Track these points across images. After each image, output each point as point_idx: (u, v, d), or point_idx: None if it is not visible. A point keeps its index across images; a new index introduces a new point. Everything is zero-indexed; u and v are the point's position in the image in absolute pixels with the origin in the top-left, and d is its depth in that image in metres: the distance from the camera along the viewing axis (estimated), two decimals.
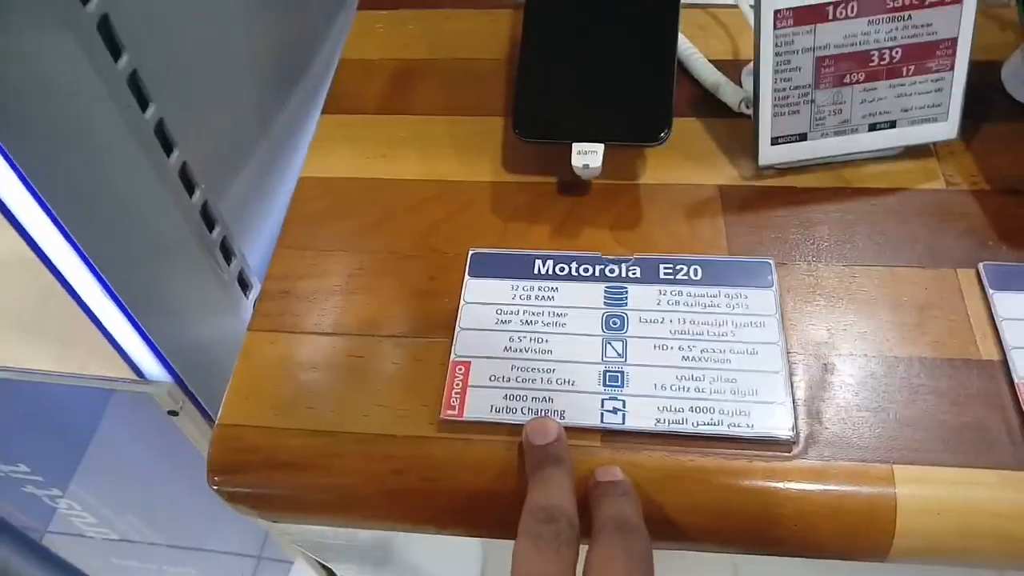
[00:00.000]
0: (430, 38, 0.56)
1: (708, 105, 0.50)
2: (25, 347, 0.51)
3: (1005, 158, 0.46)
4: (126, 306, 0.42)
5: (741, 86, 0.49)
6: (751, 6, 0.50)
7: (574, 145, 0.43)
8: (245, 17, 0.47)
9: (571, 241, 0.44)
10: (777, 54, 0.42)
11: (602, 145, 0.42)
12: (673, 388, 0.37)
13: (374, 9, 0.58)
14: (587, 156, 0.42)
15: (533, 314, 0.40)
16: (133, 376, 0.49)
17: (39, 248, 0.38)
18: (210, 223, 0.44)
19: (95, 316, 0.43)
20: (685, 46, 0.51)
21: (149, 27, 0.37)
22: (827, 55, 0.42)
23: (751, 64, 0.49)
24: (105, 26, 0.34)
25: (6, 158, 0.32)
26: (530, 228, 0.45)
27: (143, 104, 0.37)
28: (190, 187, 0.42)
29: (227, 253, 0.46)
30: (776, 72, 0.42)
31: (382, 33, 0.56)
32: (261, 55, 0.49)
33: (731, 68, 0.51)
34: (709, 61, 0.51)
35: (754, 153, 0.44)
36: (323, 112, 0.52)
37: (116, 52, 0.35)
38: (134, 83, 0.36)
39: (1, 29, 0.30)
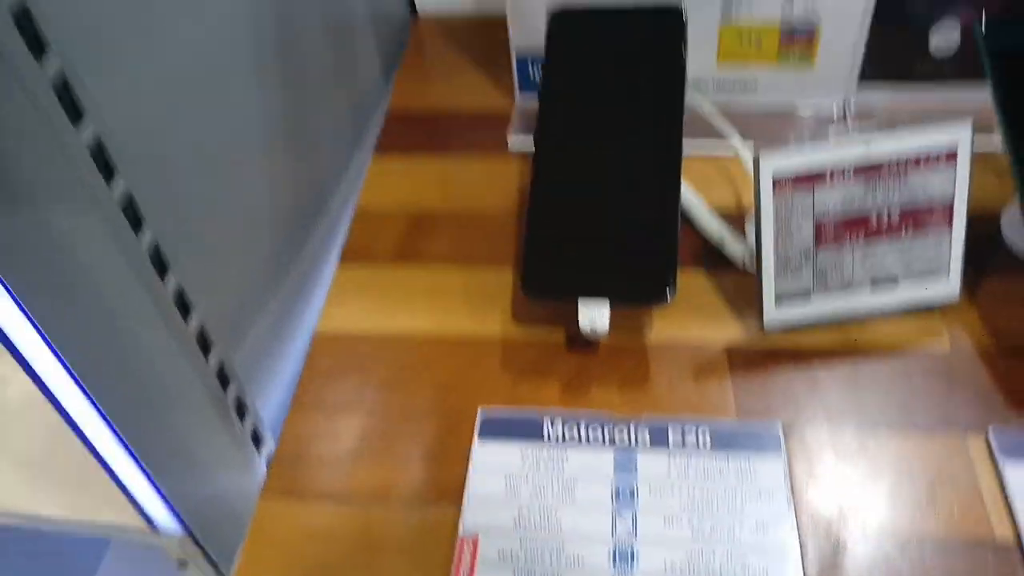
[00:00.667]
0: (444, 185, 0.57)
1: (714, 258, 0.50)
2: (36, 492, 0.51)
3: (1008, 316, 0.46)
4: (139, 459, 0.43)
5: (746, 236, 0.50)
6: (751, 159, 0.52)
7: (580, 306, 0.43)
8: (260, 168, 0.48)
9: (581, 399, 0.44)
10: (777, 217, 0.42)
11: (607, 306, 0.43)
12: (683, 570, 0.37)
13: (389, 152, 0.60)
14: (594, 317, 0.43)
15: (543, 484, 0.40)
16: (144, 526, 0.49)
17: (56, 399, 0.39)
18: (225, 381, 0.45)
19: (107, 464, 0.44)
20: (690, 198, 0.52)
21: (171, 202, 0.38)
22: (826, 217, 0.43)
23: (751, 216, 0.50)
24: (130, 204, 0.35)
25: (26, 314, 0.33)
26: (540, 385, 0.45)
27: (163, 272, 0.39)
28: (206, 348, 0.43)
29: (241, 410, 0.47)
30: (777, 234, 0.43)
31: (397, 179, 0.58)
32: (276, 204, 0.51)
33: (736, 219, 0.52)
34: (714, 213, 0.52)
35: (759, 311, 0.45)
36: (340, 261, 0.53)
37: (138, 226, 0.36)
38: (155, 255, 0.38)
39: (30, 207, 0.31)
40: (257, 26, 0.46)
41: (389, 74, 0.68)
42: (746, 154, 0.52)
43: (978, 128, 0.55)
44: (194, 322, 0.41)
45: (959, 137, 0.42)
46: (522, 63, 0.60)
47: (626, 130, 0.47)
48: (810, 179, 0.42)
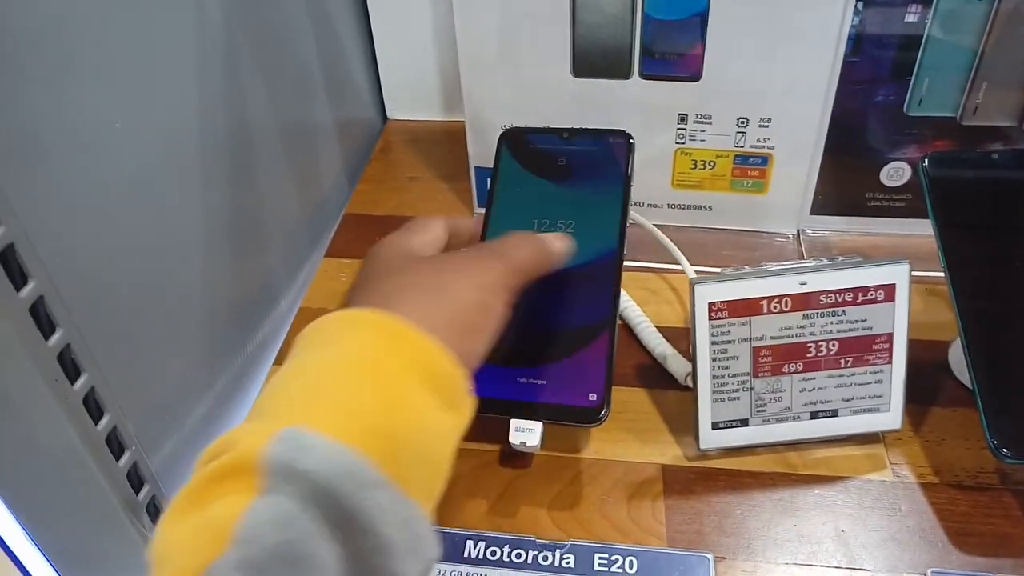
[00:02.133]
0: None
1: (656, 375, 0.50)
2: None
3: (952, 448, 0.45)
4: (47, 554, 0.41)
5: (689, 357, 0.49)
6: (699, 271, 0.52)
7: (512, 422, 0.42)
8: (199, 269, 0.48)
9: (507, 520, 0.43)
10: (714, 343, 0.42)
11: (540, 424, 0.42)
12: None
13: (340, 257, 0.60)
14: (525, 434, 0.42)
15: None
16: None
17: None
18: (139, 483, 0.43)
19: (19, 561, 0.42)
20: (635, 313, 0.52)
21: (88, 303, 0.38)
22: (764, 345, 0.42)
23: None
24: (40, 307, 0.35)
25: None
26: (467, 502, 0.43)
27: (76, 373, 0.38)
28: (120, 451, 0.41)
29: (155, 514, 0.45)
30: (714, 360, 0.42)
31: (344, 283, 0.58)
32: (215, 305, 0.50)
33: (682, 336, 0.51)
34: (659, 329, 0.51)
35: (695, 434, 0.44)
36: (275, 364, 0.52)
37: (50, 330, 0.35)
38: (67, 357, 0.37)
39: None
40: (205, 126, 0.47)
41: (354, 177, 0.69)
42: (691, 272, 0.52)
43: (929, 259, 0.56)
44: (105, 423, 0.40)
45: (898, 275, 0.42)
46: (481, 176, 0.61)
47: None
48: (746, 307, 0.42)
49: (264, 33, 0.53)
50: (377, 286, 0.35)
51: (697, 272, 0.53)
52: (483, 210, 0.62)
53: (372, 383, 0.29)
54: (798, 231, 0.59)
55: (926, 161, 0.47)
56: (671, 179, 0.58)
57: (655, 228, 0.54)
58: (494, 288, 0.35)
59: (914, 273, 0.43)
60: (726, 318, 0.42)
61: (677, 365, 0.49)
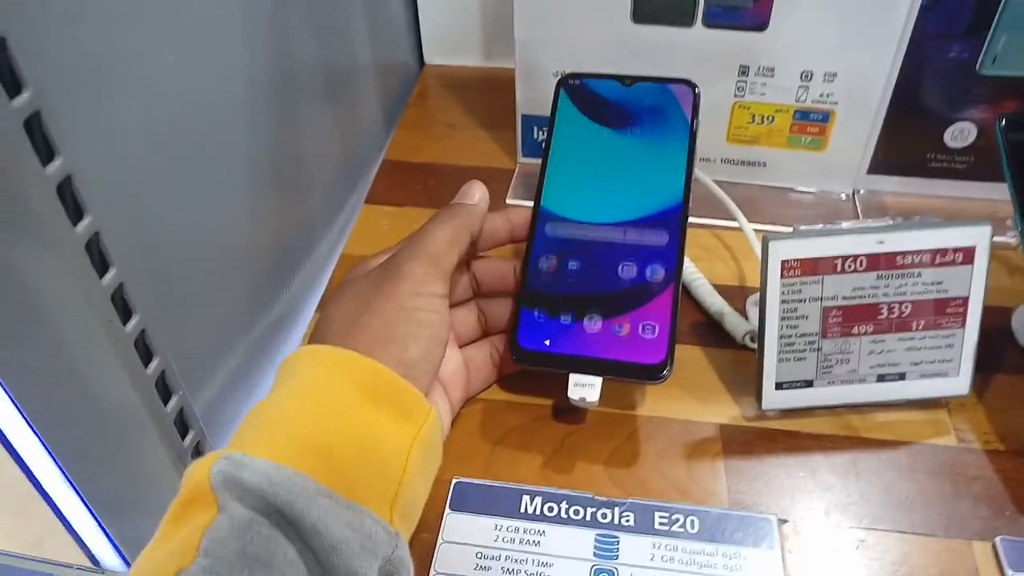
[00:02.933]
0: None
1: (712, 333, 0.48)
2: None
3: (1017, 416, 0.44)
4: (85, 497, 0.40)
5: (746, 316, 0.48)
6: (756, 230, 0.51)
7: (571, 376, 0.41)
8: (243, 210, 0.46)
9: (563, 476, 0.41)
10: (784, 302, 0.41)
11: (600, 379, 0.41)
12: None
13: (381, 204, 0.58)
14: (584, 389, 0.41)
15: (517, 561, 0.37)
16: (88, 564, 0.45)
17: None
18: (184, 428, 0.42)
19: (52, 500, 0.41)
20: (690, 271, 0.51)
21: (140, 241, 0.36)
22: (835, 306, 0.41)
23: (757, 294, 0.48)
24: (96, 243, 0.33)
25: None
26: (520, 456, 0.42)
27: (127, 315, 0.36)
28: (166, 395, 0.40)
29: (198, 455, 0.44)
30: (783, 319, 0.41)
31: (387, 230, 0.56)
32: (258, 247, 0.48)
33: (737, 294, 0.50)
34: (714, 287, 0.50)
35: (757, 394, 0.43)
36: (317, 310, 0.51)
37: (104, 267, 0.34)
38: (118, 297, 0.35)
39: None
40: (252, 66, 0.45)
41: (392, 123, 0.67)
42: (750, 230, 0.51)
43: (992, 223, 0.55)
44: (154, 367, 0.38)
45: (978, 238, 0.40)
46: (527, 125, 0.59)
47: (629, 202, 0.45)
48: (819, 265, 0.40)
49: None
50: (324, 315, 0.38)
51: (762, 233, 0.51)
52: (527, 160, 0.61)
53: (315, 408, 0.33)
54: (854, 191, 0.57)
55: (1003, 121, 0.45)
56: (727, 133, 0.56)
57: (713, 184, 0.53)
58: (414, 291, 0.37)
59: None
60: (798, 276, 0.40)
61: (735, 324, 0.47)
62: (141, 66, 0.35)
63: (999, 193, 0.55)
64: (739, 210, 0.51)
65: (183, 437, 0.42)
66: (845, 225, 0.41)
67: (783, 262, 0.40)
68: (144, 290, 0.36)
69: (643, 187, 0.46)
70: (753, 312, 0.48)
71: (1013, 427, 0.44)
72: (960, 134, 0.54)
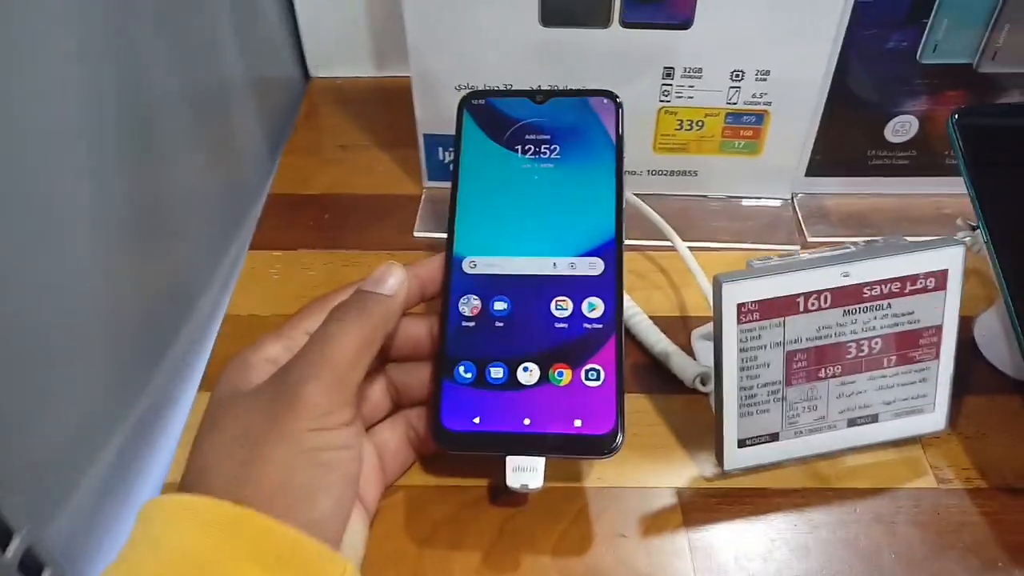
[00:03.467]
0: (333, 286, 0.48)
1: (657, 377, 0.43)
2: None
3: (995, 444, 0.40)
4: None
5: (693, 354, 0.43)
6: (692, 248, 0.45)
7: (509, 460, 0.35)
8: (93, 276, 0.38)
9: (506, 571, 0.35)
10: (742, 350, 0.35)
11: (542, 460, 0.35)
12: None
13: (268, 248, 0.51)
14: (526, 475, 0.35)
15: None
16: None
17: None
18: (36, 570, 0.34)
19: None
20: (625, 304, 0.45)
21: None
22: (798, 349, 0.36)
23: (703, 327, 0.43)
24: None
25: None
26: (453, 556, 0.36)
27: None
28: (4, 537, 0.32)
29: None
30: (742, 370, 0.36)
31: (277, 280, 0.49)
32: (117, 324, 0.40)
33: (678, 327, 0.45)
34: (653, 320, 0.44)
35: (718, 454, 0.37)
36: (200, 389, 0.43)
37: None
38: None
39: None
40: (91, 94, 0.36)
41: (276, 148, 0.59)
42: (688, 254, 0.45)
43: (938, 221, 0.51)
44: None
45: (950, 260, 0.36)
46: (431, 145, 0.52)
47: (555, 237, 0.39)
48: (780, 306, 0.35)
49: None
50: (200, 451, 0.30)
51: (691, 248, 0.46)
52: (434, 183, 0.54)
53: None
54: (792, 195, 0.53)
55: (955, 116, 0.41)
56: (652, 142, 0.51)
57: (641, 203, 0.47)
58: (318, 424, 0.30)
59: (921, 239, 0.37)
60: (757, 320, 0.35)
61: (682, 365, 0.42)
62: None
63: (944, 187, 0.52)
64: (674, 231, 0.46)
65: None
66: (805, 257, 0.35)
67: (739, 306, 0.34)
68: None
69: (570, 220, 0.40)
70: (701, 348, 0.43)
71: (992, 457, 0.40)
72: (901, 128, 0.50)
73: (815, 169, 0.52)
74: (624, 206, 0.40)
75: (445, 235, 0.40)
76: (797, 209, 0.52)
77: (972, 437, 0.41)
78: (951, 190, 0.48)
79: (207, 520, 0.27)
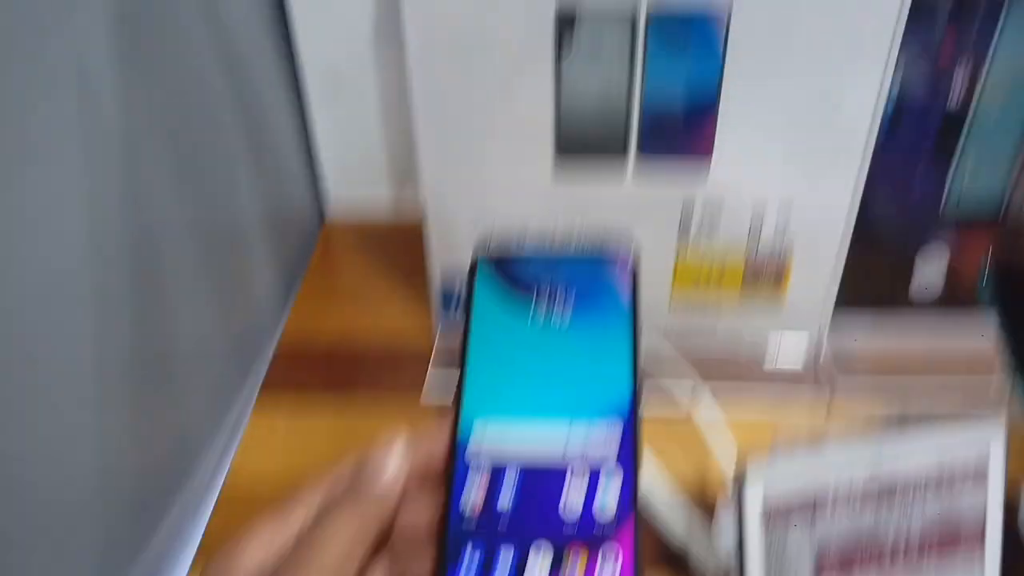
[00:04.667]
0: (342, 442, 0.46)
1: (673, 568, 0.40)
2: None
3: None
4: None
5: (713, 541, 0.40)
6: (711, 400, 0.43)
7: None
8: (89, 432, 0.36)
9: None
10: (769, 557, 0.32)
11: None
12: None
13: (276, 397, 0.49)
14: None
15: None
16: None
17: None
18: None
19: None
20: (645, 479, 0.42)
21: None
22: (829, 550, 0.33)
23: (725, 512, 0.40)
24: None
25: None
26: None
27: None
28: None
29: None
30: None
31: (283, 435, 0.47)
32: (114, 485, 0.39)
33: (697, 502, 0.42)
34: (678, 502, 0.42)
35: None
36: (200, 550, 0.41)
37: None
38: None
39: None
40: (96, 234, 0.36)
41: (289, 292, 0.58)
42: (707, 413, 0.43)
43: (973, 371, 0.48)
44: None
45: (989, 443, 0.33)
46: (447, 294, 0.51)
47: (567, 406, 0.37)
48: (810, 504, 0.32)
49: (172, 118, 0.42)
50: None
51: (712, 400, 0.43)
52: (446, 331, 0.53)
53: None
54: (819, 336, 0.50)
55: (986, 269, 0.39)
56: (672, 282, 0.49)
57: (662, 353, 0.45)
58: None
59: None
60: (783, 524, 0.32)
61: (702, 559, 0.39)
62: None
63: (977, 326, 0.49)
64: (696, 387, 0.44)
65: None
66: (833, 447, 0.33)
67: (766, 508, 0.32)
68: None
69: (583, 385, 0.37)
70: (723, 537, 0.40)
71: None
72: (929, 271, 0.48)
73: (842, 309, 0.49)
74: (641, 369, 0.38)
75: (451, 422, 0.38)
76: (824, 352, 0.50)
77: None
78: (983, 329, 0.46)
79: None
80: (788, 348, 0.50)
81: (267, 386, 0.51)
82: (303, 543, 0.30)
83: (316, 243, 0.62)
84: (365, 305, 0.56)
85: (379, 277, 0.58)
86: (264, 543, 0.31)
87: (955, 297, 0.49)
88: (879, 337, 0.50)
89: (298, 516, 0.32)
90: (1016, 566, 0.38)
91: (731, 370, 0.49)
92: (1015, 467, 0.38)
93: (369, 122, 0.60)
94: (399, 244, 0.59)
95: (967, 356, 0.49)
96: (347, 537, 0.30)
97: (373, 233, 0.62)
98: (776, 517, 0.32)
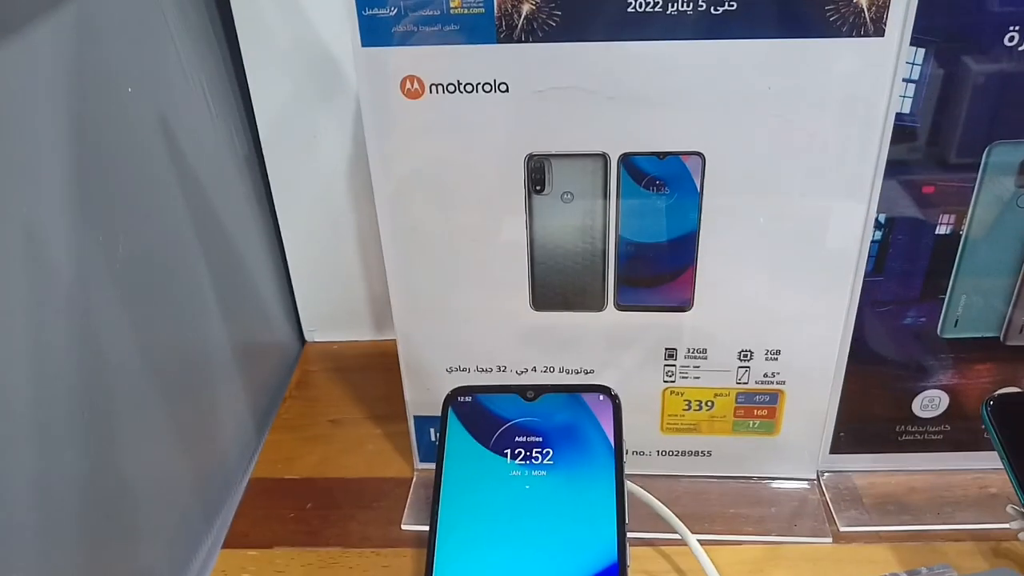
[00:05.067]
0: None
1: None
2: None
3: None
4: None
5: None
6: (705, 542, 0.40)
7: None
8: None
9: None
10: None
11: None
12: None
13: (243, 548, 0.46)
14: None
15: None
16: None
17: None
18: None
19: None
20: None
21: None
22: None
23: None
24: None
25: None
26: None
27: None
28: None
29: None
30: None
31: None
32: None
33: None
34: None
35: None
36: None
37: None
38: None
39: None
40: (42, 370, 0.34)
41: (264, 425, 0.56)
42: (700, 553, 0.40)
43: (983, 503, 0.46)
44: None
45: None
46: (421, 428, 0.49)
47: (546, 566, 0.35)
48: None
49: (131, 246, 0.41)
50: None
51: (708, 540, 0.41)
52: (424, 465, 0.50)
53: None
54: (818, 475, 0.48)
55: (990, 403, 0.37)
56: (660, 423, 0.47)
57: (647, 494, 0.43)
58: None
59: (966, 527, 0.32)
60: None
61: None
62: None
63: (984, 462, 0.47)
64: (687, 529, 0.41)
65: None
66: None
67: None
68: None
69: (564, 538, 0.35)
70: None
71: None
72: (930, 403, 0.46)
73: (840, 446, 0.47)
74: (627, 519, 0.36)
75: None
76: (825, 491, 0.47)
77: None
78: (992, 464, 0.43)
79: None
80: (788, 486, 0.48)
81: (234, 530, 0.48)
82: None
83: (294, 368, 0.60)
84: (343, 435, 0.54)
85: (357, 405, 0.56)
86: None
87: (964, 435, 0.47)
88: (882, 475, 0.48)
89: None
90: None
91: (727, 507, 0.47)
92: None
93: (346, 264, 0.59)
94: (382, 367, 0.57)
95: (977, 492, 0.47)
96: None
97: (354, 356, 0.61)
98: None
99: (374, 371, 0.59)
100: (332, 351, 0.62)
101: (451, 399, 0.40)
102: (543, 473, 0.37)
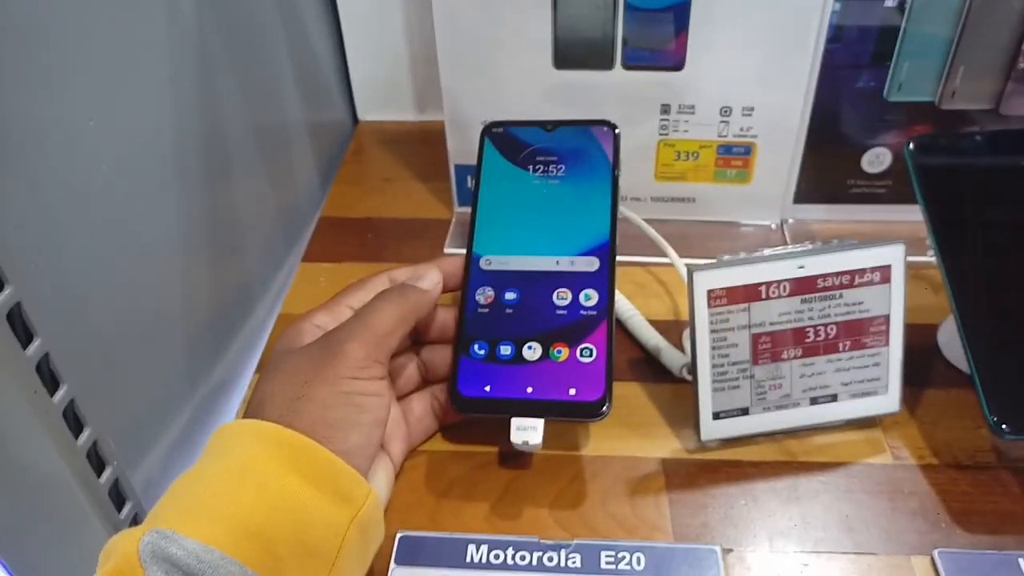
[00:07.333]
0: None
1: (649, 368, 0.49)
2: None
3: (948, 429, 0.45)
4: (14, 573, 0.38)
5: (682, 349, 0.49)
6: (687, 264, 0.52)
7: (513, 420, 0.41)
8: (175, 274, 0.46)
9: (509, 523, 0.41)
10: (713, 331, 0.41)
11: (542, 421, 0.41)
12: None
13: (318, 261, 0.59)
14: (527, 432, 0.41)
15: None
16: None
17: None
18: (120, 500, 0.41)
19: None
20: (625, 307, 0.51)
21: (65, 310, 0.36)
22: (763, 332, 0.42)
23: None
24: (17, 315, 0.33)
25: None
26: (465, 506, 0.42)
27: (54, 384, 0.36)
28: (100, 466, 0.39)
29: None
30: (713, 348, 0.42)
31: (324, 286, 0.56)
32: (193, 311, 0.48)
33: (672, 328, 0.51)
34: (649, 322, 0.51)
35: (696, 426, 0.43)
36: (257, 372, 0.51)
37: (27, 339, 0.33)
38: (45, 368, 0.35)
39: None
40: (179, 128, 0.45)
41: (327, 180, 0.67)
42: (681, 265, 0.52)
43: (913, 244, 0.57)
44: (85, 438, 0.38)
45: (892, 257, 0.42)
46: (461, 175, 0.60)
47: (558, 240, 0.46)
48: (745, 293, 0.41)
49: (236, 34, 0.52)
50: (261, 390, 0.37)
51: (686, 265, 0.52)
52: (463, 208, 0.62)
53: (251, 489, 0.32)
54: (782, 221, 0.59)
55: (911, 145, 0.47)
56: (654, 171, 0.58)
57: (642, 222, 0.54)
58: (354, 374, 0.37)
59: None
60: (725, 305, 0.41)
61: (671, 357, 0.48)
62: (60, 133, 0.35)
63: (919, 214, 0.57)
64: (669, 245, 0.52)
65: (119, 509, 0.41)
66: (766, 252, 0.42)
67: (709, 292, 0.41)
68: (72, 359, 0.36)
69: (571, 226, 0.47)
70: (688, 345, 0.49)
71: (945, 440, 0.45)
72: (876, 159, 0.56)
73: (801, 197, 0.58)
74: (620, 219, 0.47)
75: (466, 250, 0.47)
76: (786, 232, 0.58)
77: (928, 422, 0.46)
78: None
79: (262, 437, 0.34)
80: (756, 228, 0.59)
81: (309, 253, 0.60)
82: (358, 312, 0.40)
83: (350, 142, 0.71)
84: (393, 188, 0.65)
85: (405, 167, 0.67)
86: (325, 314, 0.41)
87: (905, 189, 0.57)
88: (835, 222, 0.59)
89: (348, 303, 0.41)
90: (921, 369, 0.46)
91: (705, 242, 0.58)
92: (930, 303, 0.46)
93: (397, 49, 0.69)
94: (423, 141, 0.69)
95: (911, 236, 0.57)
96: (393, 315, 0.40)
97: (400, 133, 0.71)
98: (719, 301, 0.41)
99: (419, 144, 0.70)
100: (381, 128, 0.72)
101: (487, 131, 0.51)
102: (557, 182, 0.48)
